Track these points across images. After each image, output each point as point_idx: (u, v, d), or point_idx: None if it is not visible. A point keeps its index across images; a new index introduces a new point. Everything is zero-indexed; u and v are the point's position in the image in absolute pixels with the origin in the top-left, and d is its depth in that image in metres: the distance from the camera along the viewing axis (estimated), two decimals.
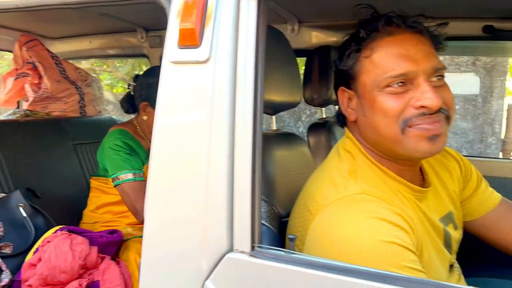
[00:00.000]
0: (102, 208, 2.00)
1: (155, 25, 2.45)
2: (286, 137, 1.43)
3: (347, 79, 1.01)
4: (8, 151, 1.97)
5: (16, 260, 1.59)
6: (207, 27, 0.92)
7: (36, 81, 2.43)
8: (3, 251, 1.55)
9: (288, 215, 1.18)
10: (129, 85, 2.10)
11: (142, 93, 1.90)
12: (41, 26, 2.51)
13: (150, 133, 1.90)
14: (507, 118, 4.23)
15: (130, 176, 1.80)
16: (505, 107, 4.25)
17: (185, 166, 0.92)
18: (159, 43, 2.50)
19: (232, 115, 0.90)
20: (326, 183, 0.97)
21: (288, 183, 1.25)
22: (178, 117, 0.94)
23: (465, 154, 1.59)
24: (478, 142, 4.09)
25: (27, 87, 2.43)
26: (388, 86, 0.92)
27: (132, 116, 2.09)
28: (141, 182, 1.81)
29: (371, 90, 0.94)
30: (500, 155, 4.15)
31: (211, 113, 0.91)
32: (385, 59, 0.93)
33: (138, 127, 1.97)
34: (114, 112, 5.03)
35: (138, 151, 1.90)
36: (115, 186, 1.84)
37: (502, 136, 4.24)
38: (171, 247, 0.93)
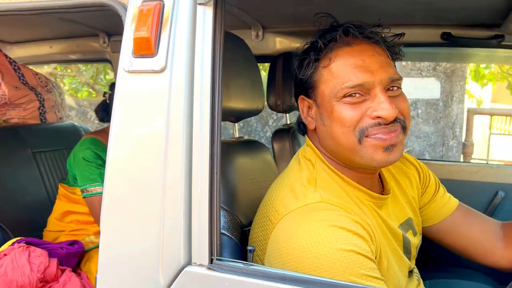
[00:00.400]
0: (68, 216, 1.94)
1: (118, 29, 2.39)
2: (248, 145, 1.42)
3: (306, 88, 1.01)
4: None
5: None
6: (163, 36, 0.90)
7: None
8: None
9: (250, 225, 1.17)
10: (104, 93, 2.06)
11: None
12: None
13: None
14: (467, 122, 4.37)
15: (99, 189, 1.78)
16: (465, 111, 4.40)
17: (141, 177, 0.90)
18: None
19: (190, 124, 0.88)
20: (286, 191, 0.97)
21: (250, 192, 1.24)
22: (134, 128, 0.92)
23: (427, 158, 1.63)
24: (440, 145, 4.20)
25: None
26: (345, 96, 0.93)
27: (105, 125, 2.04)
28: None
29: (329, 99, 0.95)
30: (461, 158, 4.28)
31: (168, 123, 0.89)
32: (342, 69, 0.93)
33: None
34: (77, 118, 4.91)
35: None
36: (83, 198, 1.80)
37: (463, 139, 4.38)
38: (128, 261, 0.90)
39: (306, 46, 1.04)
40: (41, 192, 2.20)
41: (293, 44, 2.19)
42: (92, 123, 4.71)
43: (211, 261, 0.85)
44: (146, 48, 0.90)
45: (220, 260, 0.86)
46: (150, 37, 0.89)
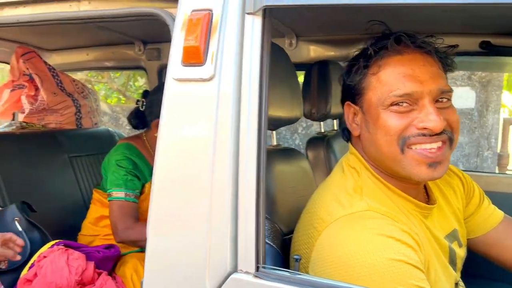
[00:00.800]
0: (102, 220, 1.98)
1: (153, 38, 2.45)
2: (286, 153, 1.42)
3: (353, 94, 1.01)
4: (4, 164, 1.95)
5: (11, 275, 1.56)
6: (211, 44, 0.92)
7: (32, 93, 2.41)
8: None
9: (290, 233, 1.17)
10: (137, 101, 2.09)
11: (154, 110, 1.88)
12: (38, 38, 2.50)
13: (153, 148, 1.91)
14: (502, 132, 4.25)
15: (121, 194, 1.80)
16: (501, 121, 4.28)
17: (189, 183, 0.91)
18: (157, 56, 2.49)
19: (237, 132, 0.89)
20: (330, 199, 0.97)
21: (290, 200, 1.24)
22: (182, 135, 0.93)
23: (462, 168, 1.60)
24: (474, 156, 4.09)
25: (24, 99, 2.41)
26: (392, 104, 0.92)
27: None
28: (131, 203, 1.81)
29: (376, 107, 0.94)
30: (496, 169, 4.16)
31: (215, 131, 0.90)
32: (391, 78, 0.93)
33: (147, 142, 1.96)
34: (109, 124, 5.01)
35: (143, 168, 1.88)
36: (108, 201, 1.83)
37: (498, 150, 4.26)
38: (174, 267, 0.91)
39: (355, 52, 1.04)
40: (77, 196, 2.25)
41: (327, 52, 2.19)
42: (124, 129, 4.80)
43: (257, 268, 0.85)
44: (195, 56, 0.92)
45: (266, 268, 0.86)
46: (199, 46, 0.91)
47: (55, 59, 2.64)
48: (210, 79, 0.91)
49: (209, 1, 0.93)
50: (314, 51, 2.17)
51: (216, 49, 0.91)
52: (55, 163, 2.21)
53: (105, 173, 1.91)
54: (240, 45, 0.91)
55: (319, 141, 1.84)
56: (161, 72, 2.54)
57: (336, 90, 1.74)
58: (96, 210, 2.00)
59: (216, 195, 0.88)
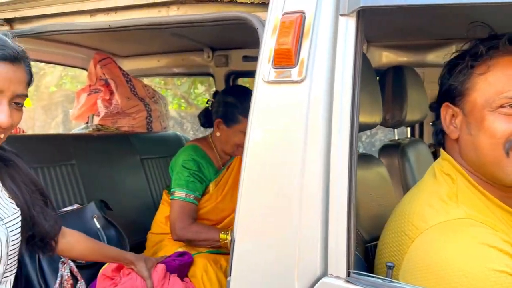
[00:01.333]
0: None
1: (222, 45, 2.51)
2: (364, 159, 1.39)
3: (453, 95, 0.97)
4: (82, 163, 2.06)
5: (90, 270, 1.63)
6: (304, 47, 0.92)
7: (107, 97, 2.54)
8: (78, 260, 1.59)
9: (372, 240, 1.14)
10: (207, 101, 2.16)
11: (218, 110, 1.94)
12: (112, 45, 2.63)
13: (222, 149, 1.97)
14: None
15: (182, 195, 1.85)
16: None
17: (278, 186, 0.91)
18: (225, 63, 2.55)
19: (328, 135, 0.88)
20: (423, 206, 0.93)
21: (370, 207, 1.21)
22: (271, 137, 0.94)
23: None
24: None
25: (99, 103, 2.54)
26: (501, 106, 0.88)
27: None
28: (190, 204, 1.85)
29: (482, 108, 0.90)
30: None
31: (306, 133, 0.89)
32: (501, 79, 0.89)
33: (212, 143, 2.01)
34: (174, 129, 5.18)
35: (207, 169, 1.92)
36: (170, 199, 1.89)
37: None
38: (262, 269, 0.91)
39: (455, 53, 1.01)
40: (147, 196, 2.34)
41: (399, 58, 2.14)
42: (188, 134, 4.93)
43: (348, 274, 0.84)
44: (286, 59, 0.92)
45: (357, 273, 0.84)
46: (291, 48, 0.91)
47: (128, 65, 2.76)
48: (301, 81, 0.91)
49: (301, 4, 0.93)
50: (386, 57, 2.13)
51: (308, 52, 0.91)
52: (128, 164, 2.31)
53: (172, 173, 1.97)
54: (333, 48, 0.90)
55: (393, 149, 1.79)
56: (229, 78, 2.59)
57: (412, 97, 1.69)
58: (165, 210, 2.06)
59: (306, 198, 0.88)
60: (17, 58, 1.02)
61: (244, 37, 2.29)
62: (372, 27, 1.87)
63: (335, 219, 0.85)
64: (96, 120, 2.57)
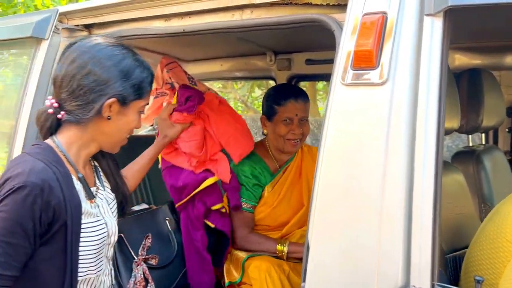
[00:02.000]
0: None
1: (285, 48, 2.50)
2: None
3: None
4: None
5: (161, 271, 1.66)
6: (385, 48, 0.89)
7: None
8: (149, 262, 1.63)
9: (451, 251, 1.09)
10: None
11: (263, 108, 1.95)
12: (178, 49, 2.70)
13: (275, 148, 1.94)
14: None
15: (243, 205, 1.85)
16: None
17: (357, 193, 0.88)
18: (287, 66, 2.54)
19: (412, 140, 0.84)
20: None
21: (449, 216, 1.15)
22: (350, 140, 0.91)
23: None
24: None
25: (165, 105, 2.61)
26: None
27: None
28: (246, 213, 1.86)
29: None
30: None
31: (387, 138, 0.86)
32: None
33: (267, 145, 2.00)
34: None
35: (263, 173, 1.91)
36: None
37: None
38: (339, 278, 0.89)
39: None
40: None
41: (473, 60, 2.03)
42: None
43: (432, 286, 0.79)
44: (367, 60, 0.89)
45: (441, 286, 0.79)
46: (372, 50, 0.89)
47: (192, 69, 2.83)
48: (383, 83, 0.88)
49: (383, 4, 0.91)
50: (458, 60, 2.03)
51: (390, 53, 0.88)
52: None
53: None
54: (417, 49, 0.87)
55: (467, 156, 1.70)
56: (291, 81, 2.58)
57: (488, 101, 1.60)
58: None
59: (387, 207, 0.84)
60: None
61: (308, 40, 2.28)
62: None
63: (418, 229, 0.82)
64: None
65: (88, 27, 1.64)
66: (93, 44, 1.14)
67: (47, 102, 1.15)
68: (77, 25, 1.62)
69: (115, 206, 1.26)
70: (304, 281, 0.93)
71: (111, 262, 1.26)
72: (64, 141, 1.13)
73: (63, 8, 1.63)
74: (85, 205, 1.13)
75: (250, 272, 1.78)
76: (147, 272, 1.56)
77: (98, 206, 1.18)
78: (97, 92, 1.08)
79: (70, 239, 1.06)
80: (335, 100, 0.94)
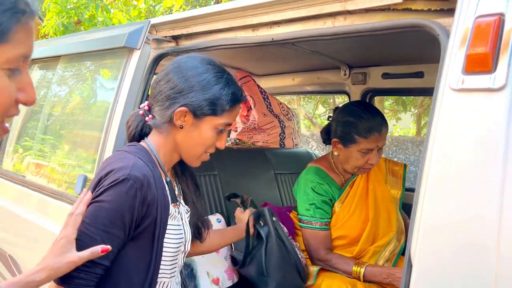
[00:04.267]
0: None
1: (360, 62, 2.46)
2: None
3: None
4: (223, 174, 2.14)
5: None
6: (503, 51, 0.83)
7: (245, 113, 2.64)
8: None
9: None
10: (329, 116, 2.11)
11: (336, 129, 1.87)
12: (251, 64, 2.73)
13: (343, 168, 1.89)
14: None
15: (310, 223, 1.82)
16: None
17: (470, 213, 0.82)
18: (362, 80, 2.49)
19: None
20: None
21: None
22: (461, 153, 0.85)
23: None
24: None
25: (237, 118, 2.65)
26: None
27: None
28: (321, 232, 1.81)
29: None
30: None
31: (506, 149, 0.80)
32: None
33: (332, 162, 1.95)
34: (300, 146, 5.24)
35: (331, 189, 1.86)
36: (299, 226, 1.87)
37: None
38: None
39: None
40: None
41: None
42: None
43: None
44: (482, 64, 0.84)
45: None
46: (488, 53, 0.83)
47: (264, 83, 2.85)
48: (501, 89, 0.82)
49: (499, 5, 0.85)
50: None
51: (508, 57, 0.82)
52: (263, 177, 2.35)
53: (295, 195, 1.93)
54: None
55: None
56: (365, 95, 2.52)
57: None
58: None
59: (506, 228, 0.77)
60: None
61: (383, 54, 2.22)
62: None
63: None
64: (234, 135, 2.68)
65: (176, 38, 1.69)
66: (184, 56, 1.20)
67: (142, 105, 1.21)
68: (165, 36, 1.68)
69: (189, 218, 1.29)
70: None
71: (179, 274, 1.28)
72: (154, 144, 1.17)
73: (154, 20, 1.70)
74: (171, 208, 1.16)
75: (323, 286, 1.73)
76: None
77: (179, 212, 1.21)
78: (172, 99, 1.12)
79: (158, 237, 1.09)
80: (443, 108, 0.89)
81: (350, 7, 1.15)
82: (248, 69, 2.83)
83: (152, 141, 1.18)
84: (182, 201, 1.27)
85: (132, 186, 1.02)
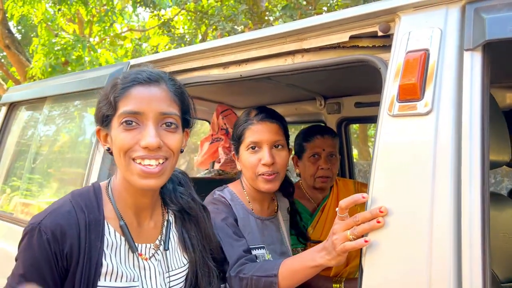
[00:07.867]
0: None
1: (334, 92, 2.60)
2: (494, 198, 1.33)
3: None
4: None
5: None
6: (428, 81, 0.96)
7: (227, 145, 2.74)
8: None
9: (507, 281, 1.08)
10: None
11: (294, 148, 2.01)
12: (232, 98, 2.87)
13: (307, 186, 1.97)
14: None
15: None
16: None
17: (405, 224, 0.93)
18: (337, 109, 2.63)
19: (458, 169, 0.89)
20: None
21: (504, 247, 1.15)
22: (397, 171, 0.97)
23: None
24: None
25: (220, 150, 2.75)
26: None
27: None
28: None
29: None
30: None
31: (434, 167, 0.91)
32: None
33: (302, 187, 2.03)
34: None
35: (302, 215, 1.93)
36: None
37: None
38: None
39: None
40: None
41: None
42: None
43: None
44: (412, 93, 0.96)
45: None
46: (416, 83, 0.96)
47: None
48: (428, 113, 0.94)
49: (425, 42, 0.98)
50: (510, 98, 2.03)
51: (433, 86, 0.95)
52: None
53: None
54: (458, 81, 0.93)
55: None
56: (341, 124, 2.65)
57: None
58: None
59: (436, 238, 0.87)
60: (151, 79, 1.00)
61: (356, 84, 2.37)
62: (493, 66, 1.83)
63: (468, 259, 0.84)
64: (217, 166, 2.78)
65: None
66: None
67: None
68: None
69: (182, 277, 1.11)
70: None
71: None
72: (115, 181, 1.06)
73: (133, 61, 1.83)
74: (118, 262, 0.98)
75: None
76: None
77: (145, 268, 1.03)
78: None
79: None
80: (383, 131, 1.01)
81: (306, 45, 1.29)
82: (230, 102, 2.96)
83: (114, 178, 1.07)
84: (173, 253, 1.10)
85: (40, 236, 0.91)
